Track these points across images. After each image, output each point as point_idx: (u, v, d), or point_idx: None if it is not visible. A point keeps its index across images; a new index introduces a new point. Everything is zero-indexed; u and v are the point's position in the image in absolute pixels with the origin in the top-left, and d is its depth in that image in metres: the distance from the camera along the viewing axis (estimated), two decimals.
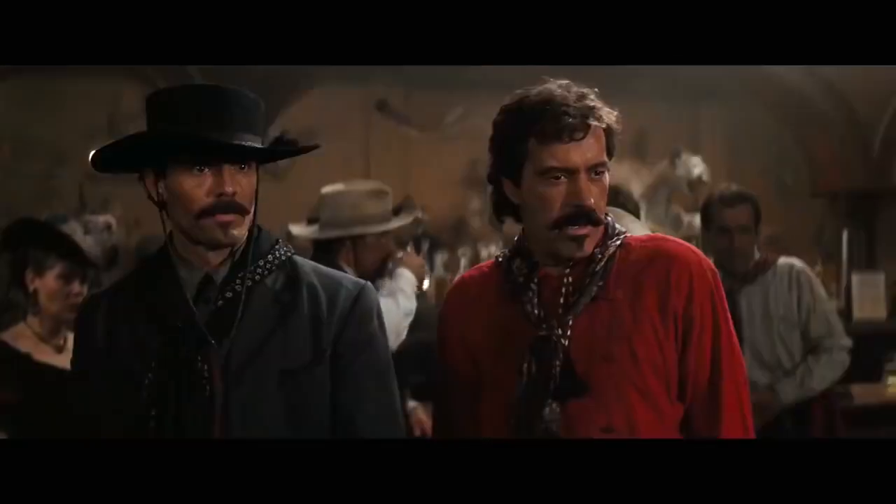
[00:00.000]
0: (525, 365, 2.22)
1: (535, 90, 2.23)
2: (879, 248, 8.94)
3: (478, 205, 8.64)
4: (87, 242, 3.41)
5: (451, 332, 2.38)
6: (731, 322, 2.28)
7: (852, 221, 8.88)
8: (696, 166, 7.30)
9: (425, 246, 7.75)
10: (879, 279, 7.49)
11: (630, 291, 2.23)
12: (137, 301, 2.23)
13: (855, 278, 7.47)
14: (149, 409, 2.14)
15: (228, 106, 2.15)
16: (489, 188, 2.36)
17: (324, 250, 4.00)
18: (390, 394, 2.28)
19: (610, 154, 2.24)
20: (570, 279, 2.25)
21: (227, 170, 2.14)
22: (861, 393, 5.74)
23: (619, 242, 2.28)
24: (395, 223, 4.08)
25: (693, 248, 2.31)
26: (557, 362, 2.20)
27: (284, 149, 2.24)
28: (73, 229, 3.41)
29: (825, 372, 4.36)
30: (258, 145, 2.17)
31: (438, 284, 7.14)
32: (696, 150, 7.78)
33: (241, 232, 2.18)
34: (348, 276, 2.33)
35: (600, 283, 2.23)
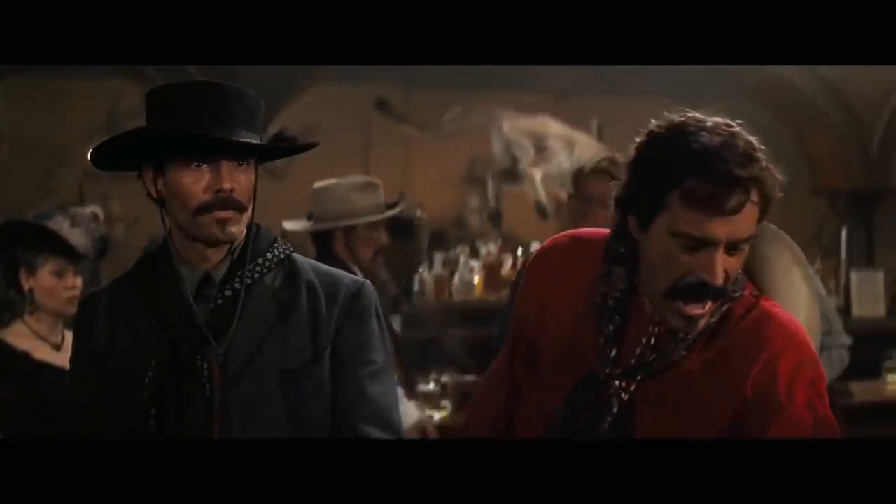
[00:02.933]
0: (569, 403, 2.04)
1: (694, 128, 1.91)
2: (878, 245, 8.95)
3: (477, 203, 8.63)
4: (75, 235, 3.41)
5: (533, 289, 2.17)
6: (833, 424, 2.03)
7: (851, 219, 8.88)
8: None
9: (424, 244, 7.75)
10: (878, 277, 7.49)
11: (707, 367, 1.97)
12: (137, 299, 2.24)
13: (854, 276, 7.47)
14: (149, 407, 2.15)
15: (228, 103, 2.15)
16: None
17: (320, 244, 4.07)
18: (388, 392, 2.28)
19: (760, 221, 1.93)
20: (657, 330, 1.99)
21: (226, 166, 2.14)
22: (860, 391, 5.76)
23: (724, 309, 1.97)
24: (384, 214, 4.13)
25: (794, 330, 2.02)
26: (609, 417, 2.00)
27: (282, 145, 2.24)
28: (60, 224, 3.40)
29: (825, 369, 4.36)
30: (256, 142, 2.18)
31: (438, 282, 7.13)
32: None
33: (238, 229, 2.18)
34: (347, 275, 2.33)
35: (683, 353, 1.98)
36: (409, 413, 4.03)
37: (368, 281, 2.33)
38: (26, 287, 3.36)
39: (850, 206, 9.03)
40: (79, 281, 3.40)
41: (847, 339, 4.45)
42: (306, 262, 2.31)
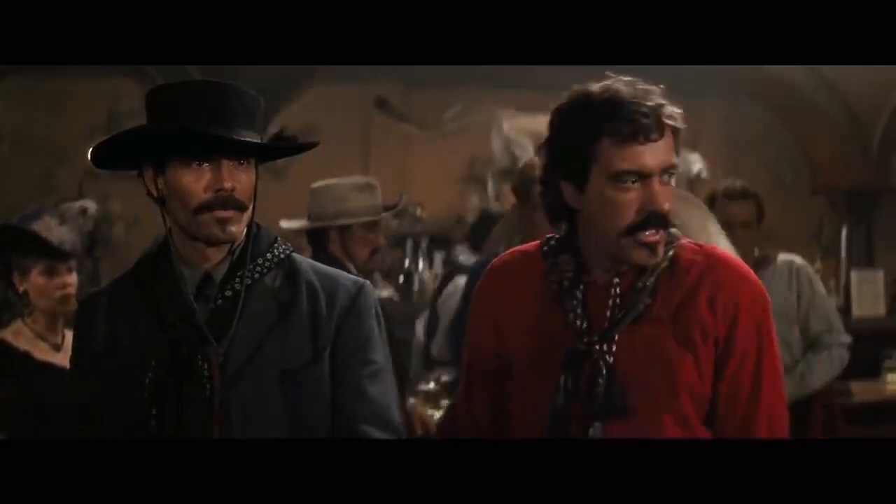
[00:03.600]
0: (563, 379, 2.14)
1: (598, 87, 2.11)
2: (878, 245, 8.95)
3: (477, 202, 8.63)
4: (62, 232, 3.40)
5: (485, 311, 2.30)
6: (776, 355, 2.19)
7: (851, 219, 8.89)
8: (696, 163, 7.30)
9: (424, 243, 7.75)
10: (878, 276, 7.50)
11: (674, 313, 2.14)
12: (137, 299, 2.23)
13: (854, 275, 7.48)
14: (149, 407, 2.15)
15: (228, 102, 2.15)
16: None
17: (316, 243, 4.09)
18: (388, 392, 2.28)
19: (676, 154, 2.14)
20: (619, 290, 2.16)
21: (226, 165, 2.14)
22: (860, 390, 5.75)
23: (671, 254, 2.17)
24: (380, 215, 4.14)
25: (745, 271, 2.22)
26: (601, 380, 2.12)
27: (282, 144, 2.24)
28: (47, 223, 3.40)
29: (825, 368, 4.36)
30: (256, 140, 2.17)
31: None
32: (694, 148, 7.77)
33: (239, 229, 2.18)
34: (347, 275, 2.33)
35: (647, 301, 2.14)
36: None
37: (368, 281, 2.33)
38: (21, 289, 3.37)
39: (850, 206, 9.03)
40: (73, 278, 3.41)
41: (847, 338, 4.46)
42: (306, 262, 2.31)
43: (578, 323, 2.15)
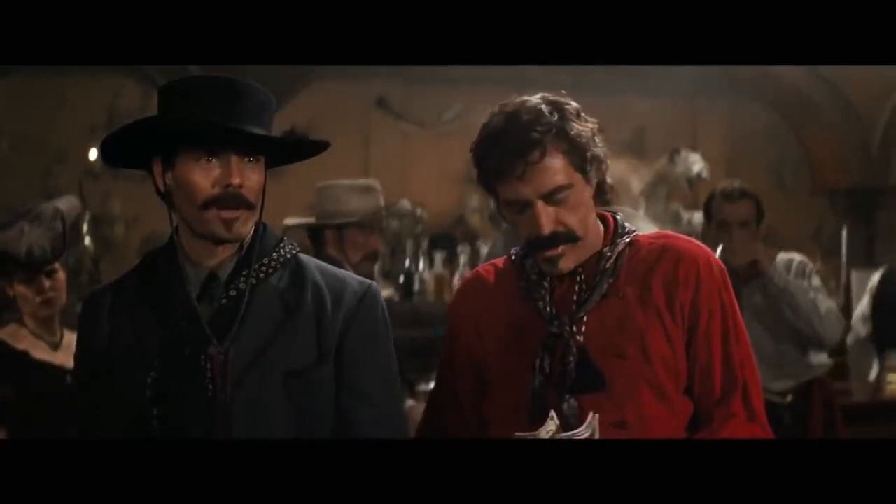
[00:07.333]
0: (538, 361, 2.24)
1: (497, 112, 2.24)
2: (879, 245, 8.95)
3: (477, 202, 8.63)
4: (35, 236, 3.38)
5: (466, 323, 2.39)
6: (740, 318, 2.29)
7: (852, 219, 8.89)
8: (696, 163, 7.30)
9: (424, 243, 7.75)
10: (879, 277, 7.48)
11: (639, 288, 2.25)
12: (141, 298, 2.22)
13: (854, 276, 7.48)
14: (151, 407, 2.13)
15: (240, 97, 2.13)
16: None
17: (315, 242, 4.09)
18: (393, 394, 2.27)
19: (583, 170, 2.21)
20: (583, 276, 2.27)
21: (235, 160, 2.12)
22: (860, 390, 5.75)
23: (627, 240, 2.30)
24: (375, 217, 4.13)
25: (701, 244, 2.33)
26: (572, 358, 2.22)
27: (290, 139, 2.22)
28: (20, 229, 3.38)
29: (822, 327, 4.30)
30: (265, 133, 2.16)
31: (438, 282, 7.13)
32: (695, 148, 7.78)
33: (245, 229, 2.17)
34: (353, 276, 2.31)
35: (610, 281, 2.26)
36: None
37: (375, 283, 2.31)
38: (11, 294, 3.39)
39: (851, 206, 9.04)
40: (55, 281, 3.41)
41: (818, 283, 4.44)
42: (312, 262, 2.29)
43: (548, 310, 2.27)
